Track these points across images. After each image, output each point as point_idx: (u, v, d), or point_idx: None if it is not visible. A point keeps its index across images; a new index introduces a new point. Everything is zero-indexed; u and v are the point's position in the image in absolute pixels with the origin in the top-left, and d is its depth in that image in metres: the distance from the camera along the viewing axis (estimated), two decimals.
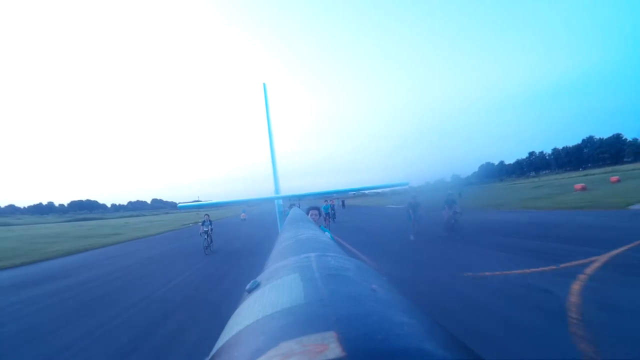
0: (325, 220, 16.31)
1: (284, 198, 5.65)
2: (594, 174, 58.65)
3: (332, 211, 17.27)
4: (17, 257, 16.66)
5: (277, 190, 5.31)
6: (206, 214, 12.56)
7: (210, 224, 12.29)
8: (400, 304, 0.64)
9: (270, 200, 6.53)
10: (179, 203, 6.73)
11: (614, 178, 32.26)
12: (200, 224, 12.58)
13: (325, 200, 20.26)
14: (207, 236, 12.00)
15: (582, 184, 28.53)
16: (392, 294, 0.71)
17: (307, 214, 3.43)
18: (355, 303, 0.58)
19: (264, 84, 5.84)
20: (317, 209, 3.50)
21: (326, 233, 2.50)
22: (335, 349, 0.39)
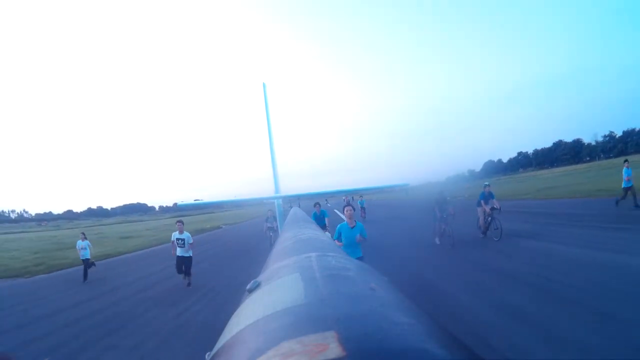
0: (361, 215, 18.54)
1: (284, 198, 5.66)
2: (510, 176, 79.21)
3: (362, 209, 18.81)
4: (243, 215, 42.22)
5: (277, 189, 5.31)
6: (269, 210, 11.52)
7: (275, 220, 10.81)
8: (400, 304, 0.64)
9: (270, 199, 6.51)
10: (179, 203, 6.69)
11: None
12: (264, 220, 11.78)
13: (342, 198, 24.50)
14: (273, 233, 10.99)
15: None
16: (392, 294, 0.71)
17: (343, 210, 3.92)
18: (355, 303, 0.58)
19: (263, 84, 5.84)
20: (351, 205, 3.99)
21: (326, 233, 2.54)
22: (336, 349, 0.39)
